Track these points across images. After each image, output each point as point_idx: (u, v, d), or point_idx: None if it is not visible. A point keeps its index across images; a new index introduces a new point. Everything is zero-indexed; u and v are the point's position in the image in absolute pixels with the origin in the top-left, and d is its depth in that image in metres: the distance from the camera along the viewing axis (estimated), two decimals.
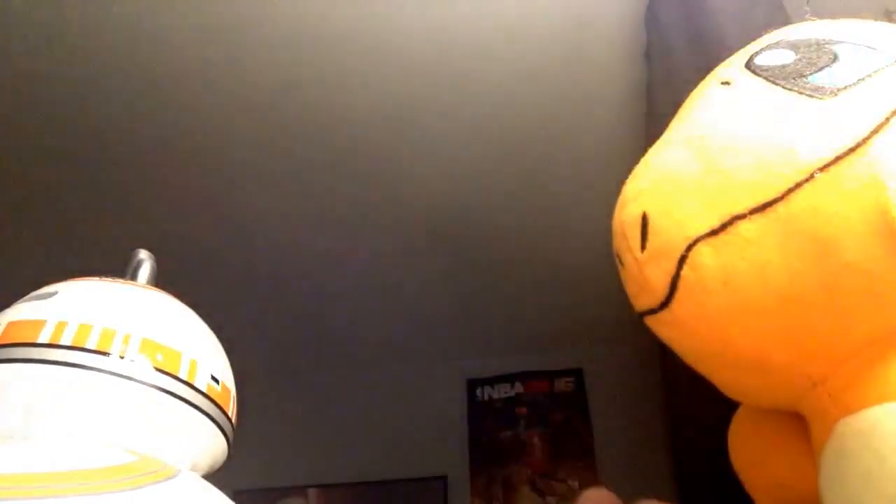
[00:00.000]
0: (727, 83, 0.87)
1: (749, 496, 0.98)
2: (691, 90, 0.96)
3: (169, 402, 0.94)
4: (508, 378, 4.36)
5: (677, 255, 0.74)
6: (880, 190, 0.66)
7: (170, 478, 0.88)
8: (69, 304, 0.96)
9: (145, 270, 1.19)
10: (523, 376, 4.35)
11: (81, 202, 3.05)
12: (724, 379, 0.88)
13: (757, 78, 0.83)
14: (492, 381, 4.38)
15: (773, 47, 0.87)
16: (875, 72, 0.75)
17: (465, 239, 3.27)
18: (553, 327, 4.05)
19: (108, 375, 0.89)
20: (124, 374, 0.90)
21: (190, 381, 0.97)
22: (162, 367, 0.94)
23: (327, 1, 2.22)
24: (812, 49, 0.82)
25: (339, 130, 2.65)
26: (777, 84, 0.79)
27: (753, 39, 0.94)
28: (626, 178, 0.86)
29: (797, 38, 0.86)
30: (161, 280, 1.20)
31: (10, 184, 2.93)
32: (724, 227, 0.72)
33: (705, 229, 0.73)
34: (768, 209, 0.70)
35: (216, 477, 1.05)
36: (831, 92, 0.74)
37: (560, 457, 4.06)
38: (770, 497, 0.94)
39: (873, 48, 0.79)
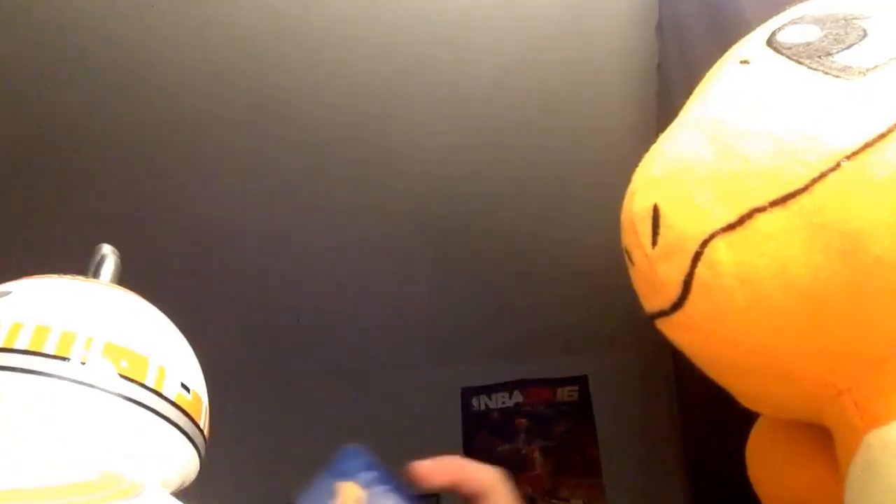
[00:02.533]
0: (746, 62, 0.87)
1: None
2: (707, 69, 0.96)
3: (135, 413, 0.93)
4: (507, 386, 4.38)
5: (691, 252, 0.74)
6: None
7: (135, 496, 0.88)
8: (25, 305, 0.96)
9: (109, 267, 1.18)
10: (523, 384, 4.36)
11: (39, 193, 3.04)
12: (742, 387, 0.88)
13: (779, 56, 0.83)
14: (489, 390, 4.39)
15: (797, 22, 0.87)
16: None
17: (459, 232, 3.27)
18: (555, 331, 4.06)
19: (67, 383, 0.89)
20: (85, 381, 0.90)
21: (158, 390, 0.97)
22: (127, 374, 0.94)
23: None
24: (840, 25, 0.82)
25: (323, 115, 2.65)
26: (801, 63, 0.79)
27: (775, 13, 0.94)
28: (636, 166, 0.86)
29: (823, 12, 0.86)
30: (126, 278, 1.20)
31: None
32: (741, 220, 0.71)
33: (722, 223, 0.72)
34: (790, 201, 0.69)
35: (187, 495, 1.05)
36: (860, 72, 0.74)
37: (563, 473, 4.07)
38: None
39: None
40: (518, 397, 4.34)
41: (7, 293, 0.99)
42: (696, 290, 0.75)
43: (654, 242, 0.78)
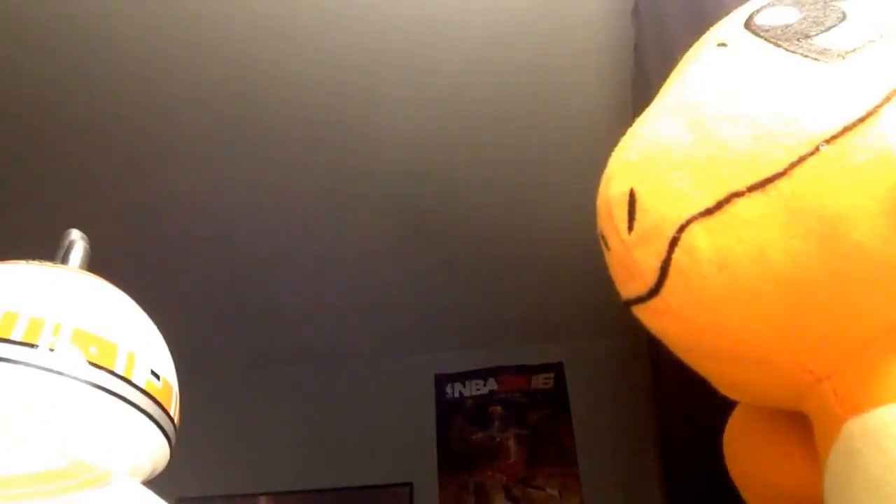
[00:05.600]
0: (724, 44, 0.87)
1: (744, 502, 0.98)
2: (684, 51, 0.96)
3: (104, 400, 0.93)
4: (481, 374, 4.37)
5: (668, 237, 0.74)
6: (892, 164, 0.66)
7: (104, 484, 0.87)
8: None
9: (78, 253, 1.17)
10: (497, 371, 4.36)
11: (5, 177, 3.02)
12: (720, 374, 0.88)
13: (757, 39, 0.83)
14: (463, 377, 4.39)
15: (775, 5, 0.87)
16: (887, 32, 0.75)
17: (433, 218, 3.26)
18: (531, 318, 4.06)
19: (35, 370, 0.88)
20: (54, 368, 0.89)
21: (127, 377, 0.96)
22: (96, 361, 0.93)
23: None
24: (818, 7, 0.82)
25: (296, 101, 2.64)
26: (779, 46, 0.79)
27: None
28: (612, 150, 0.86)
29: None
30: (95, 264, 1.19)
31: None
32: (719, 205, 0.71)
33: (699, 208, 0.72)
34: (769, 185, 0.69)
35: (157, 483, 1.05)
36: (839, 55, 0.74)
37: (538, 461, 4.07)
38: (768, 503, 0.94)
39: (886, 6, 0.79)
40: (492, 384, 4.34)
41: None
42: (674, 276, 0.75)
43: (631, 227, 0.77)
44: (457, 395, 4.35)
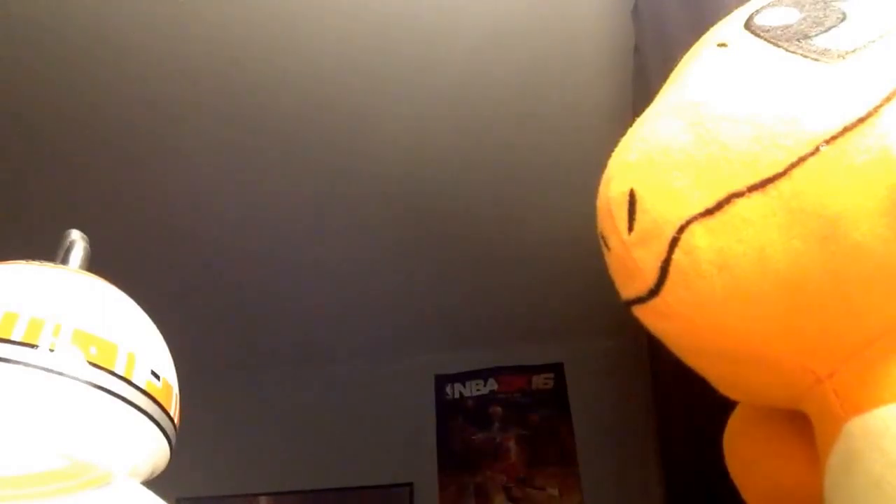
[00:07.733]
0: (724, 45, 0.87)
1: (744, 502, 0.98)
2: (684, 52, 0.96)
3: (104, 400, 0.93)
4: (481, 374, 4.35)
5: (668, 237, 0.74)
6: (892, 164, 0.66)
7: (104, 485, 0.87)
8: None
9: (78, 253, 1.17)
10: (497, 372, 4.34)
11: (5, 177, 3.01)
12: (720, 374, 0.88)
13: (757, 39, 0.83)
14: (463, 378, 4.37)
15: (775, 5, 0.86)
16: (887, 33, 0.75)
17: (433, 218, 3.25)
18: (531, 318, 4.05)
19: (35, 370, 0.88)
20: (54, 368, 0.89)
21: (127, 377, 0.96)
22: (96, 361, 0.93)
23: None
24: (819, 7, 0.82)
25: (294, 101, 2.63)
26: (779, 46, 0.79)
27: None
28: (612, 150, 0.86)
29: None
30: (95, 264, 1.19)
31: None
32: (719, 205, 0.71)
33: (699, 208, 0.72)
34: (769, 186, 0.69)
35: (157, 484, 1.05)
36: (839, 55, 0.74)
37: (538, 462, 4.06)
38: None
39: (886, 6, 0.79)
40: (493, 385, 4.32)
41: None
42: (673, 276, 0.75)
43: (631, 228, 0.77)
44: (457, 395, 4.33)
